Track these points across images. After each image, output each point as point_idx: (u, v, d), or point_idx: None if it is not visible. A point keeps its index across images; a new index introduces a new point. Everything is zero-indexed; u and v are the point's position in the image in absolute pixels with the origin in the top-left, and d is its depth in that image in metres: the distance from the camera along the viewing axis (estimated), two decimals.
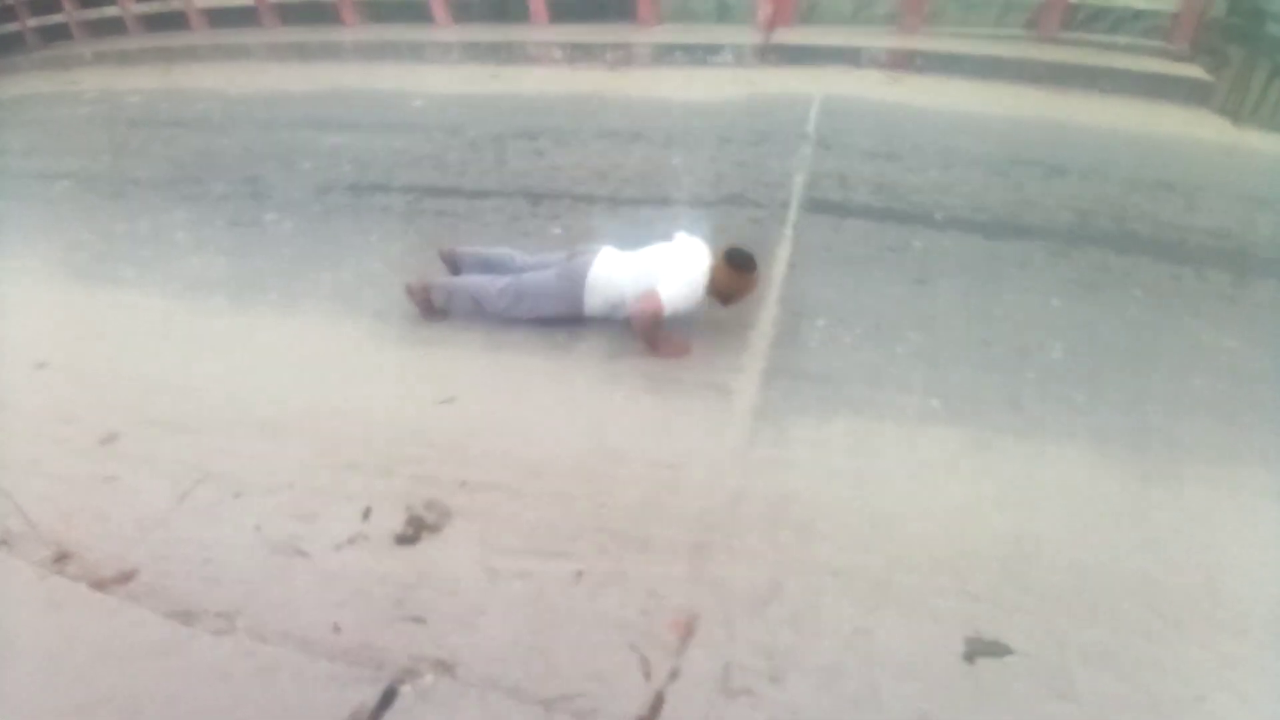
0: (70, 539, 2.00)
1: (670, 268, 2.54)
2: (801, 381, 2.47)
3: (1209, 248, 3.26)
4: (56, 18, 9.60)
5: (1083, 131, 4.56)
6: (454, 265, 2.98)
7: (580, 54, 6.53)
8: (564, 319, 2.75)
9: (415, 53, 7.02)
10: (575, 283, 2.62)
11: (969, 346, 2.63)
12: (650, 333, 2.56)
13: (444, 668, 1.61)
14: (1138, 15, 5.99)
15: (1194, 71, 5.29)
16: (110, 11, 9.09)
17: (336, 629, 1.71)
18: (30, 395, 2.65)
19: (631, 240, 2.82)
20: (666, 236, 2.84)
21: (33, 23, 9.89)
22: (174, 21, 8.77)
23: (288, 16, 8.22)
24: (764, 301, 2.89)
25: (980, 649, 1.63)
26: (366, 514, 2.03)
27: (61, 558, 1.92)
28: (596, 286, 2.61)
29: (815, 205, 3.65)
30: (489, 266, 2.90)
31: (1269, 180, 3.96)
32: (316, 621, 1.73)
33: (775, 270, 3.11)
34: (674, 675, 1.58)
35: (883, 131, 4.50)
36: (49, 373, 2.79)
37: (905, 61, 5.73)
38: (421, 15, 7.51)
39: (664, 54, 6.32)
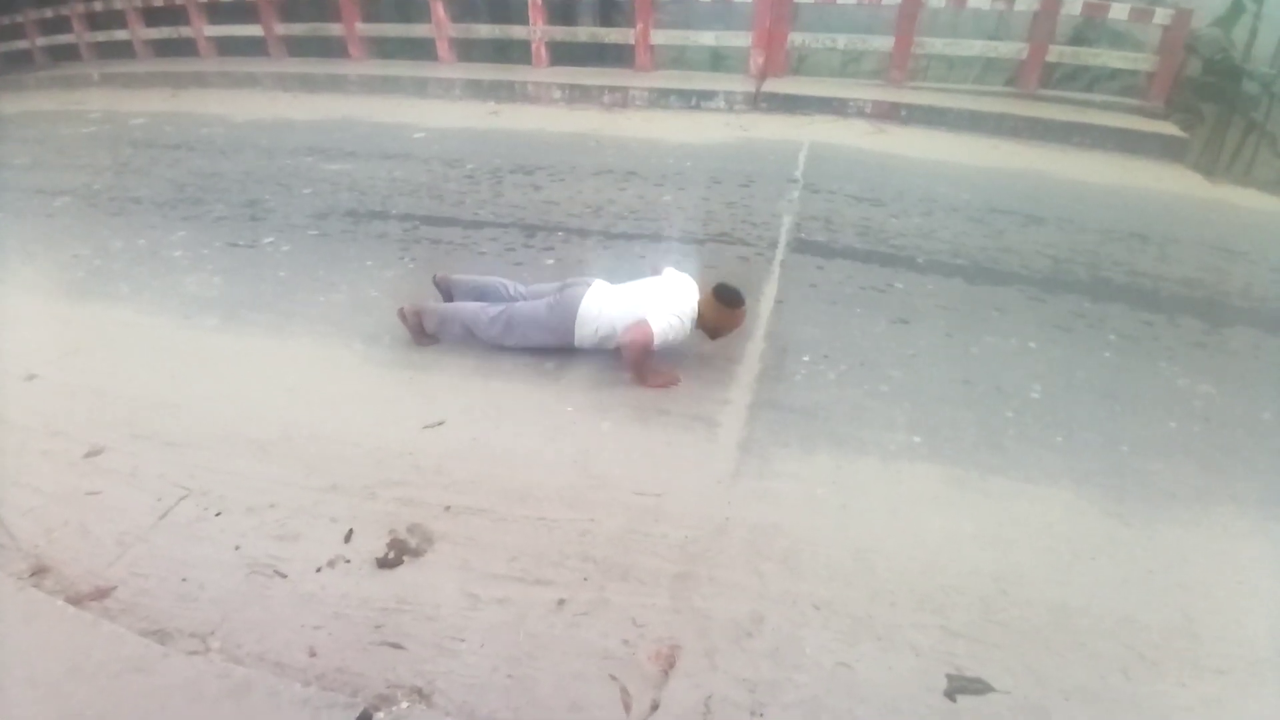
0: (49, 552, 1.97)
1: (660, 302, 2.60)
2: (786, 415, 2.51)
3: (1182, 296, 3.36)
4: (66, 38, 9.74)
5: (1060, 183, 4.74)
6: (447, 291, 3.02)
7: (578, 95, 6.73)
8: (554, 349, 2.79)
9: (418, 88, 7.20)
10: (566, 315, 2.67)
11: (949, 385, 2.69)
12: (639, 362, 2.60)
13: (420, 695, 1.59)
14: (1114, 74, 6.29)
15: (1168, 128, 5.53)
16: (120, 35, 9.25)
17: (312, 652, 1.69)
18: (18, 407, 2.63)
19: (624, 273, 2.88)
20: (656, 270, 2.91)
21: (42, 42, 10.02)
22: (183, 48, 8.94)
23: (295, 48, 8.43)
24: (751, 337, 2.94)
25: (961, 686, 1.63)
26: (348, 536, 2.02)
27: (39, 571, 1.90)
28: (587, 319, 2.65)
29: (802, 246, 3.76)
30: (482, 294, 2.94)
31: (1241, 233, 4.12)
32: (292, 644, 1.71)
33: (762, 307, 3.17)
34: (654, 707, 1.57)
35: (867, 178, 4.65)
36: (38, 385, 2.78)
37: (890, 113, 5.96)
38: (426, 52, 7.73)
39: (659, 98, 6.53)
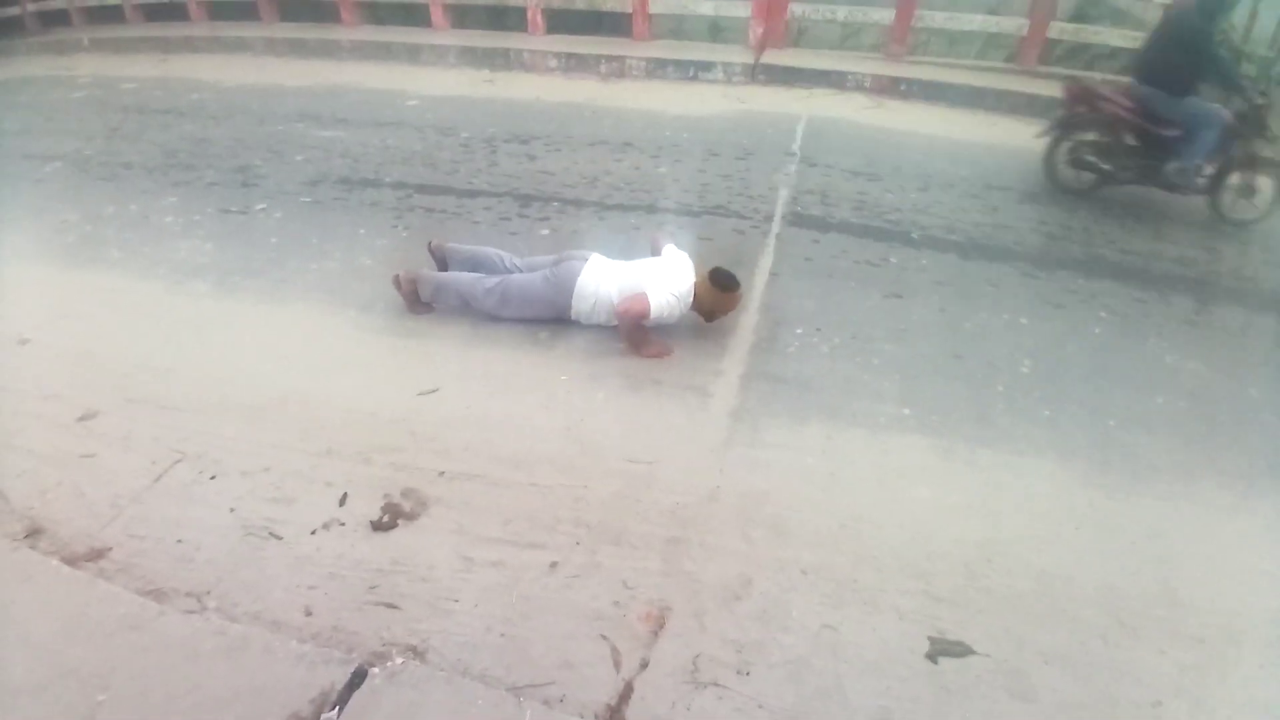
0: (44, 514, 1.98)
1: (658, 281, 2.61)
2: (779, 386, 2.53)
3: (1173, 275, 3.38)
4: (56, 3, 9.51)
5: None
6: (442, 259, 3.01)
7: (575, 64, 6.62)
8: (549, 320, 2.80)
9: (412, 54, 7.06)
10: (564, 289, 2.68)
11: (941, 359, 2.70)
12: (633, 332, 2.61)
13: (415, 653, 1.62)
14: (1114, 52, 6.21)
15: None
16: (110, 0, 9.03)
17: (308, 612, 1.71)
18: (11, 371, 2.62)
19: (620, 244, 2.87)
20: (656, 247, 2.89)
21: (32, 7, 9.79)
22: (173, 12, 8.73)
23: (286, 13, 8.23)
24: (745, 309, 2.95)
25: (942, 648, 1.67)
26: (343, 500, 2.03)
27: (34, 532, 1.91)
28: (585, 294, 2.67)
29: (797, 219, 3.74)
30: (477, 265, 2.93)
31: None
32: (288, 604, 1.74)
33: (757, 279, 3.17)
34: (644, 666, 1.61)
35: (865, 152, 4.62)
36: (31, 349, 2.77)
37: (889, 87, 5.89)
38: (420, 18, 7.56)
39: (656, 68, 6.43)
